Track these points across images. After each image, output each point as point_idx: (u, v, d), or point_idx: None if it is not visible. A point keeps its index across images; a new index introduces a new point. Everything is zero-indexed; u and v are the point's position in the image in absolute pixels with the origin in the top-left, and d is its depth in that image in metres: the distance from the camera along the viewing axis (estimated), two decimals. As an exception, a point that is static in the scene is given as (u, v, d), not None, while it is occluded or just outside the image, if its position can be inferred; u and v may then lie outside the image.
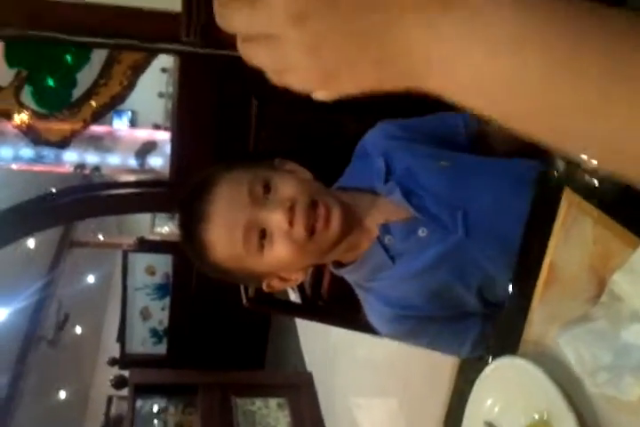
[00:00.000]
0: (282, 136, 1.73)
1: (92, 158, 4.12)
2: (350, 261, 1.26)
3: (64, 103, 2.74)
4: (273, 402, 4.48)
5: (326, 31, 0.44)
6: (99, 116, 2.77)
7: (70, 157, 4.00)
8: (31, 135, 2.83)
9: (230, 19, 0.47)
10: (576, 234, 0.81)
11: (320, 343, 4.42)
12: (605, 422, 0.74)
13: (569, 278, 0.82)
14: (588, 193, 0.79)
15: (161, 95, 8.09)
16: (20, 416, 6.83)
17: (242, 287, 1.71)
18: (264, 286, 1.25)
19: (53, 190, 3.49)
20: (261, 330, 5.30)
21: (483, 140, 1.34)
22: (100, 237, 8.57)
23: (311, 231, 1.12)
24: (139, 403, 4.46)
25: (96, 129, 3.59)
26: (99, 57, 2.68)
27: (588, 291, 0.78)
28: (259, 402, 4.47)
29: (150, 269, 4.93)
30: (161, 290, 4.98)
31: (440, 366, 1.77)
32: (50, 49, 2.63)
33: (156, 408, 4.52)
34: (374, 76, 0.46)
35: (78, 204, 3.23)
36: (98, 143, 4.05)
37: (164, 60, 3.36)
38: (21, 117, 2.79)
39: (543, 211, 0.88)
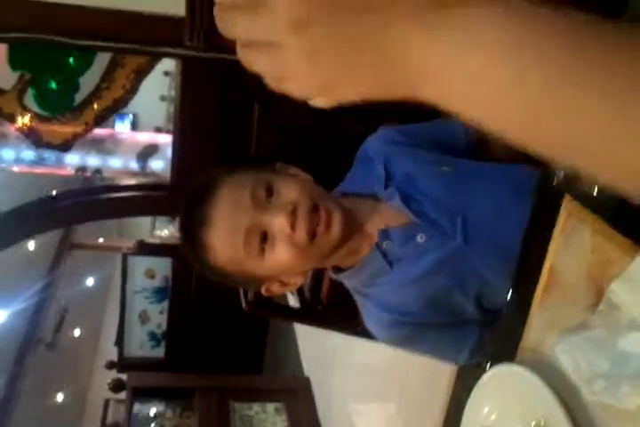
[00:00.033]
0: (283, 141, 1.73)
1: (93, 161, 4.13)
2: (349, 266, 1.26)
3: (67, 107, 2.74)
4: (270, 407, 4.47)
5: (326, 40, 0.44)
6: (101, 119, 2.78)
7: (72, 159, 4.01)
8: (33, 138, 2.83)
9: (231, 24, 0.47)
10: (575, 242, 0.81)
11: (318, 348, 4.42)
12: (602, 430, 0.75)
13: (568, 286, 0.83)
14: (587, 201, 0.80)
15: (163, 98, 8.10)
16: (17, 418, 6.83)
17: (241, 291, 1.71)
18: (263, 290, 1.25)
19: (54, 193, 3.49)
20: (260, 334, 5.29)
21: (483, 145, 1.35)
22: (100, 239, 8.58)
23: (312, 235, 1.13)
24: (136, 406, 4.45)
25: (98, 132, 3.60)
26: (101, 61, 2.69)
27: (587, 299, 0.78)
28: (256, 407, 4.46)
29: (150, 273, 4.93)
30: (159, 293, 4.98)
31: (438, 372, 1.77)
32: (53, 52, 2.63)
33: (153, 412, 4.52)
34: (372, 84, 0.46)
35: (79, 207, 3.23)
36: (99, 146, 4.06)
37: (167, 64, 3.36)
38: (23, 120, 2.80)
39: (543, 218, 0.89)
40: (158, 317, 5.03)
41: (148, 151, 4.13)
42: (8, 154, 4.11)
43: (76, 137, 2.79)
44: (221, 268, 1.17)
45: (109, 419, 5.74)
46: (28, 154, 4.09)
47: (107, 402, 5.90)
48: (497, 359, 0.94)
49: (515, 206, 1.09)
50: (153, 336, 5.07)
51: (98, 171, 4.20)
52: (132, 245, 4.96)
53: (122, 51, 2.54)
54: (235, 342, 5.06)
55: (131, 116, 8.85)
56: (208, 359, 4.86)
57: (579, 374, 0.75)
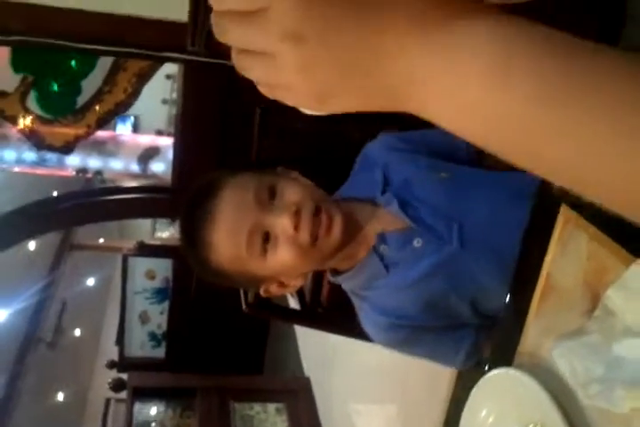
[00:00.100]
0: (284, 145, 1.74)
1: (94, 163, 4.14)
2: (346, 268, 1.27)
3: (69, 109, 2.75)
4: (271, 407, 4.48)
5: (320, 52, 0.44)
6: (103, 122, 2.79)
7: (73, 160, 4.02)
8: (34, 140, 2.85)
9: (227, 31, 0.47)
10: (572, 249, 0.83)
11: (318, 349, 4.43)
12: (598, 434, 0.76)
13: (564, 292, 0.84)
14: (583, 209, 0.81)
15: (165, 101, 8.11)
16: (17, 417, 6.82)
17: (242, 293, 1.71)
18: (262, 291, 1.25)
19: (55, 195, 3.51)
20: (260, 335, 5.30)
21: (483, 154, 1.36)
22: (101, 240, 8.58)
23: (314, 237, 1.14)
24: (137, 406, 4.46)
25: (99, 134, 3.61)
26: (104, 64, 2.70)
27: (583, 305, 0.80)
28: (257, 407, 4.47)
29: (150, 274, 4.94)
30: (160, 294, 4.98)
31: (439, 373, 1.78)
32: (55, 55, 2.64)
33: (154, 412, 4.52)
34: (364, 96, 0.47)
35: (80, 208, 3.24)
36: (101, 148, 4.07)
37: (169, 67, 3.38)
38: (25, 122, 2.81)
39: (540, 225, 0.90)
40: (159, 317, 5.03)
41: (149, 154, 4.14)
42: (9, 155, 4.12)
43: (77, 140, 2.80)
44: (222, 267, 1.17)
45: (110, 418, 5.76)
46: (30, 155, 4.10)
47: (107, 402, 5.92)
48: (495, 363, 0.96)
49: (512, 213, 1.11)
50: (153, 337, 5.07)
51: (99, 172, 4.21)
52: (133, 247, 4.96)
53: (125, 55, 2.55)
54: (235, 343, 5.06)
55: (132, 118, 8.84)
56: (209, 360, 4.87)
57: (575, 379, 0.77)
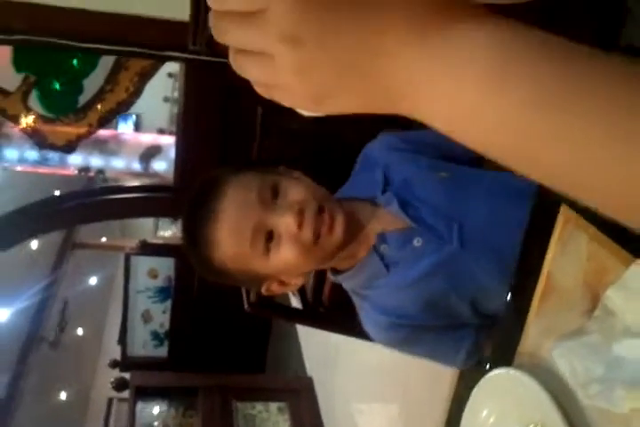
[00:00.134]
0: (285, 145, 1.75)
1: (96, 161, 4.15)
2: (347, 268, 1.28)
3: (70, 108, 2.76)
4: (273, 406, 4.48)
5: (318, 55, 0.44)
6: (104, 121, 2.79)
7: (75, 159, 4.03)
8: (37, 139, 2.85)
9: (226, 32, 0.47)
10: (571, 249, 0.83)
11: (321, 348, 4.43)
12: (598, 434, 0.76)
13: (564, 292, 0.84)
14: (583, 210, 0.81)
15: (166, 100, 8.10)
16: (20, 417, 6.83)
17: (244, 292, 1.72)
18: (263, 290, 1.26)
19: (58, 194, 3.51)
20: (262, 334, 5.31)
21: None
22: (103, 239, 8.60)
23: (317, 236, 1.14)
24: (139, 405, 4.46)
25: (101, 132, 3.62)
26: (106, 63, 2.70)
27: (583, 305, 0.80)
28: (259, 406, 4.47)
29: (153, 273, 4.94)
30: (162, 293, 4.99)
31: (440, 372, 1.79)
32: (57, 55, 2.65)
33: (156, 411, 4.53)
34: (360, 100, 0.47)
35: (83, 208, 3.25)
36: (102, 146, 4.08)
37: (171, 66, 3.38)
38: (27, 121, 2.81)
39: (540, 226, 0.90)
40: (161, 316, 5.04)
41: (151, 152, 4.14)
42: (12, 154, 4.13)
43: (79, 139, 2.81)
44: (225, 266, 1.17)
45: (113, 417, 5.76)
46: (32, 154, 4.11)
47: (110, 401, 5.93)
48: (495, 363, 0.96)
49: (512, 213, 1.11)
50: (156, 336, 5.08)
51: (101, 171, 4.22)
52: (135, 246, 4.97)
53: (126, 54, 2.55)
54: (237, 342, 5.07)
55: (134, 117, 8.85)
56: (211, 359, 4.88)
57: (575, 379, 0.77)
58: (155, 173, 4.16)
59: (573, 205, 0.83)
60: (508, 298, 0.98)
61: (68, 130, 2.84)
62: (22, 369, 7.08)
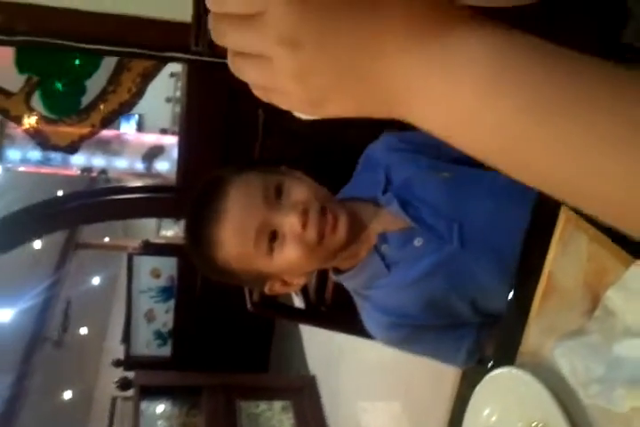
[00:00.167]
0: (287, 145, 1.75)
1: (99, 162, 4.17)
2: (348, 267, 1.29)
3: (73, 109, 2.77)
4: (277, 405, 4.49)
5: (316, 59, 0.44)
6: (107, 122, 2.80)
7: (77, 160, 4.04)
8: (39, 140, 2.86)
9: (224, 34, 0.47)
10: (572, 250, 0.83)
11: (324, 347, 4.44)
12: (599, 433, 0.77)
13: (565, 292, 0.85)
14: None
15: (168, 100, 8.11)
16: (24, 416, 6.85)
17: (246, 292, 1.72)
18: (266, 289, 1.26)
19: (60, 194, 3.53)
20: (265, 333, 5.31)
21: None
22: (106, 239, 8.61)
23: (321, 236, 1.15)
24: (143, 404, 4.47)
25: (104, 133, 3.63)
26: (108, 64, 2.71)
27: (583, 305, 0.80)
28: (263, 405, 4.48)
29: (155, 272, 4.95)
30: (165, 293, 5.00)
31: (444, 370, 1.79)
32: (60, 56, 2.66)
33: (160, 410, 4.54)
34: (358, 103, 0.47)
35: (85, 208, 3.26)
36: (105, 147, 4.09)
37: (173, 65, 3.39)
38: (29, 121, 2.82)
39: (541, 226, 0.91)
40: (164, 316, 5.04)
41: (154, 152, 4.15)
42: (14, 154, 4.15)
43: (82, 139, 2.81)
44: (228, 266, 1.17)
45: (117, 416, 5.77)
46: (35, 154, 4.12)
47: (114, 400, 5.93)
48: (498, 362, 0.96)
49: (512, 213, 1.12)
50: (159, 335, 5.08)
51: (103, 171, 4.23)
52: (138, 245, 4.97)
53: (129, 55, 2.56)
54: (240, 341, 5.08)
55: (136, 117, 8.86)
56: (214, 358, 4.88)
57: (575, 378, 0.77)
58: (157, 174, 4.17)
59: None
60: (510, 298, 0.99)
61: (71, 130, 2.85)
62: (26, 369, 7.09)
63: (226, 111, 2.87)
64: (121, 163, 4.17)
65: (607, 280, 0.76)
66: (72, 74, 2.68)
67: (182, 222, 1.31)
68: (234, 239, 1.14)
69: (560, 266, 0.86)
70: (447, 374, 1.98)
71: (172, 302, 4.98)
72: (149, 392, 4.52)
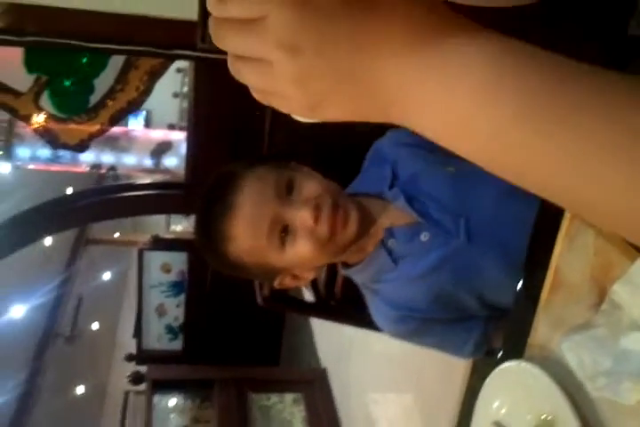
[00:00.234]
0: (295, 141, 1.76)
1: (107, 158, 4.18)
2: (356, 262, 1.30)
3: (82, 108, 2.78)
4: (289, 397, 4.52)
5: (315, 64, 0.44)
6: (115, 120, 2.81)
7: (87, 157, 4.06)
8: (49, 139, 2.88)
9: (225, 38, 0.48)
10: (579, 245, 0.84)
11: (334, 340, 4.45)
12: (608, 425, 0.78)
13: (572, 286, 0.86)
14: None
15: (176, 95, 8.12)
16: (37, 412, 6.90)
17: (257, 287, 1.73)
18: (276, 284, 1.27)
19: (70, 192, 3.55)
20: (276, 326, 5.33)
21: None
22: (116, 234, 8.64)
23: (333, 231, 1.16)
24: (156, 398, 4.50)
25: (112, 129, 3.65)
26: (116, 63, 2.72)
27: (590, 299, 0.81)
28: (274, 397, 4.51)
29: (166, 267, 4.98)
30: (176, 287, 5.02)
31: (454, 363, 1.80)
32: (68, 55, 2.67)
33: (172, 403, 4.57)
34: (356, 109, 0.47)
35: (96, 206, 3.27)
36: (114, 143, 4.11)
37: (180, 61, 3.40)
38: (38, 120, 2.84)
39: (548, 221, 0.91)
40: (175, 310, 5.07)
41: (162, 148, 4.16)
42: (24, 152, 4.17)
43: (91, 138, 2.83)
44: (240, 260, 1.18)
45: (130, 410, 5.81)
46: (44, 152, 4.14)
47: (126, 394, 5.97)
48: (507, 355, 0.98)
49: (518, 207, 1.12)
50: (170, 329, 5.12)
51: (112, 168, 4.25)
52: (148, 241, 5.00)
53: (136, 53, 2.57)
54: (251, 335, 5.10)
55: (144, 113, 8.88)
56: (225, 352, 4.91)
57: (583, 371, 0.78)
58: (166, 169, 4.19)
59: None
60: (518, 292, 1.00)
61: (80, 129, 2.87)
62: (39, 365, 7.13)
63: (234, 107, 2.87)
64: (129, 159, 4.19)
65: (613, 274, 0.77)
66: (80, 73, 2.70)
67: (192, 217, 1.31)
68: (246, 233, 1.15)
69: (567, 260, 0.87)
70: (457, 366, 1.99)
71: (182, 297, 5.01)
72: (161, 386, 4.55)
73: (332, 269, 1.61)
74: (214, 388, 4.44)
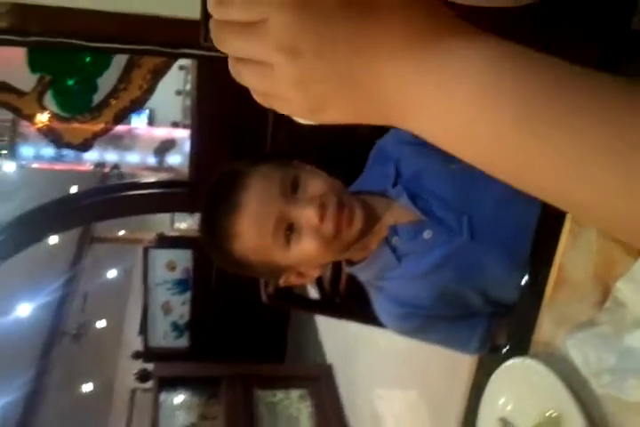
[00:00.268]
0: (298, 139, 1.76)
1: (111, 157, 4.18)
2: (359, 259, 1.30)
3: (85, 107, 2.79)
4: (295, 394, 4.53)
5: (315, 68, 0.45)
6: (119, 119, 2.82)
7: (90, 155, 4.06)
8: (52, 138, 2.88)
9: (226, 40, 0.48)
10: (582, 243, 0.84)
11: (339, 337, 4.46)
12: (613, 422, 0.78)
13: (576, 284, 0.86)
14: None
15: (178, 93, 8.11)
16: (45, 411, 6.91)
17: (262, 285, 1.74)
18: (281, 282, 1.28)
19: (74, 191, 3.55)
20: (281, 323, 5.34)
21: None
22: (121, 232, 8.65)
23: (338, 229, 1.16)
24: (163, 395, 4.52)
25: (116, 128, 3.66)
26: (119, 62, 2.73)
27: (594, 296, 0.82)
28: (280, 394, 4.52)
29: (171, 265, 4.98)
30: (181, 285, 5.03)
31: (459, 360, 1.80)
32: (71, 55, 2.68)
33: (179, 400, 4.58)
34: (356, 112, 0.48)
35: (100, 205, 3.28)
36: (117, 142, 4.11)
37: (183, 59, 3.40)
38: (41, 119, 2.84)
39: (551, 219, 0.92)
40: (180, 308, 5.08)
41: (166, 146, 4.17)
42: (28, 151, 4.18)
43: (95, 137, 2.84)
44: (246, 258, 1.18)
45: (137, 408, 5.83)
46: (48, 151, 4.15)
47: (133, 392, 5.99)
48: (512, 352, 0.98)
49: (521, 205, 1.12)
50: (176, 327, 5.12)
51: (116, 166, 4.25)
52: (153, 239, 5.01)
53: (139, 52, 2.57)
54: (257, 332, 5.10)
55: (147, 111, 8.87)
56: (231, 349, 4.92)
57: (588, 368, 0.79)
58: (169, 167, 4.19)
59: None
60: (522, 289, 1.00)
61: (84, 128, 2.87)
62: (46, 364, 7.15)
63: (237, 104, 2.87)
64: (133, 157, 4.19)
65: (616, 272, 0.77)
66: (84, 72, 2.70)
67: (196, 215, 1.31)
68: (252, 231, 1.15)
69: (570, 258, 0.87)
70: (463, 363, 1.99)
71: (188, 294, 5.02)
72: (168, 383, 4.56)
73: (336, 267, 1.61)
74: (221, 385, 4.45)
